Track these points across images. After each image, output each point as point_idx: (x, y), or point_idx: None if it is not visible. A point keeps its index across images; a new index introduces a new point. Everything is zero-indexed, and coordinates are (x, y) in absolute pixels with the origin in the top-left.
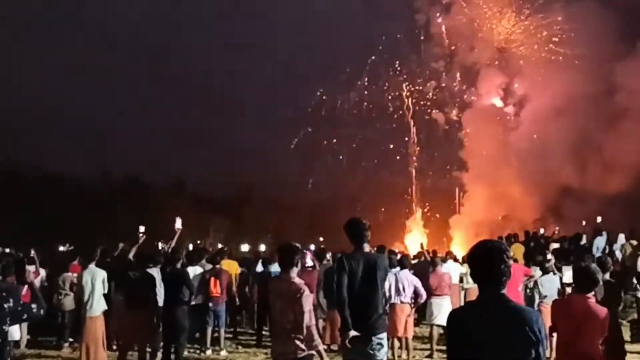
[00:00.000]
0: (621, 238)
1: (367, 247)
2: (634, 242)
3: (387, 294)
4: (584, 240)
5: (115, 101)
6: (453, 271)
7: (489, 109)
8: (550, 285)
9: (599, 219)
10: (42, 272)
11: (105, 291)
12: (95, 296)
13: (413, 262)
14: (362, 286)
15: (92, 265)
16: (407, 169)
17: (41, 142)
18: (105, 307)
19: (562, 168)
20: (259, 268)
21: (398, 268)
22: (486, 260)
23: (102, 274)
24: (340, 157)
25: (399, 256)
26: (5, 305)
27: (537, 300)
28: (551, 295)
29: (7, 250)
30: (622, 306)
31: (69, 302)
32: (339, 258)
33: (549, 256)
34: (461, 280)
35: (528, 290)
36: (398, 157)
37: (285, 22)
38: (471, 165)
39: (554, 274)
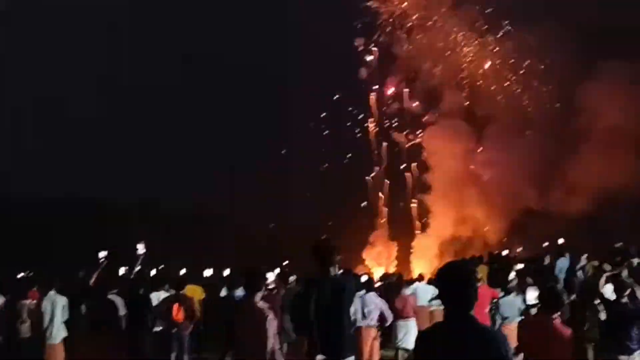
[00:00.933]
0: (582, 259)
1: (334, 271)
2: (596, 263)
3: (353, 317)
4: (546, 261)
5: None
6: (425, 293)
7: (450, 128)
8: (511, 306)
9: (560, 241)
10: (0, 299)
11: (66, 318)
12: (55, 323)
13: (378, 284)
14: (329, 310)
15: (52, 292)
16: (371, 192)
17: None
18: (66, 334)
19: (524, 189)
20: (224, 293)
21: (364, 291)
22: (454, 282)
23: (62, 301)
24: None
25: (364, 278)
26: None
27: (498, 322)
28: (512, 316)
29: None
30: (587, 326)
31: (25, 329)
32: (306, 282)
33: (512, 276)
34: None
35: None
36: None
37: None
38: (435, 186)
39: (516, 294)
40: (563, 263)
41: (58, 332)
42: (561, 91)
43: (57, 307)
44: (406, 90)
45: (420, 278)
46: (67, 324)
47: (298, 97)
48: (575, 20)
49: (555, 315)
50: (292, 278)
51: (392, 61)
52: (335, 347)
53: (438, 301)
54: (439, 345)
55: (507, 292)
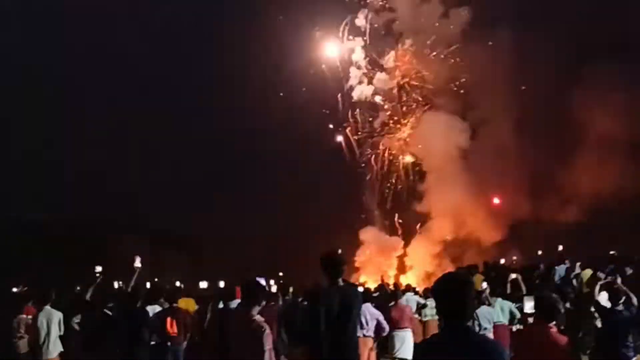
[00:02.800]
0: (576, 267)
1: (340, 282)
2: (590, 271)
3: None
4: (541, 269)
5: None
6: (411, 303)
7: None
8: (487, 316)
9: (560, 248)
10: None
11: (62, 333)
12: (51, 338)
13: (374, 295)
14: (338, 320)
15: (47, 307)
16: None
17: None
18: (62, 349)
19: (518, 197)
20: (233, 304)
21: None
22: (452, 293)
23: (58, 316)
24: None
25: (360, 289)
26: None
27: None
28: (490, 327)
29: None
30: (582, 334)
31: (23, 344)
32: (313, 293)
33: (484, 286)
34: (419, 313)
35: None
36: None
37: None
38: (428, 190)
39: (489, 304)
40: (562, 270)
41: (54, 347)
42: (551, 100)
43: (52, 322)
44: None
45: (408, 288)
46: (62, 338)
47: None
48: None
49: (552, 324)
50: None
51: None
52: (343, 357)
53: (431, 311)
54: (438, 357)
55: (481, 302)
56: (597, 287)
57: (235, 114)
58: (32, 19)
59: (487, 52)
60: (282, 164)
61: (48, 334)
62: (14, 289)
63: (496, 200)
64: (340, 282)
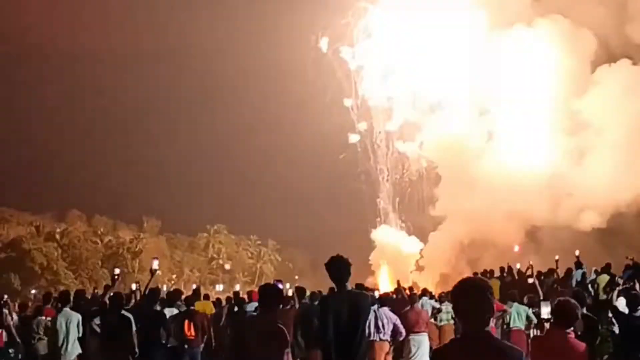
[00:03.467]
0: (592, 273)
1: (348, 286)
2: (606, 276)
3: (366, 331)
4: (557, 275)
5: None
6: (427, 307)
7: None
8: None
9: (577, 253)
10: (14, 317)
11: (80, 335)
12: (70, 340)
13: (390, 299)
14: (347, 326)
15: (66, 309)
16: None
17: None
18: (80, 351)
19: (534, 203)
20: (250, 308)
21: (377, 305)
22: (470, 298)
23: (77, 318)
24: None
25: (376, 293)
26: None
27: None
28: None
29: None
30: (599, 340)
31: (42, 346)
32: (323, 298)
33: None
34: (435, 318)
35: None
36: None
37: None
38: (444, 194)
39: None
40: (579, 274)
41: (73, 349)
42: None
43: (71, 323)
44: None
45: (424, 293)
46: (81, 340)
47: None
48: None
49: (569, 330)
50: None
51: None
52: None
53: (447, 316)
54: None
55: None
56: (615, 293)
57: (250, 114)
58: None
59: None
60: (296, 165)
61: (67, 335)
62: (33, 291)
63: None
64: (348, 287)
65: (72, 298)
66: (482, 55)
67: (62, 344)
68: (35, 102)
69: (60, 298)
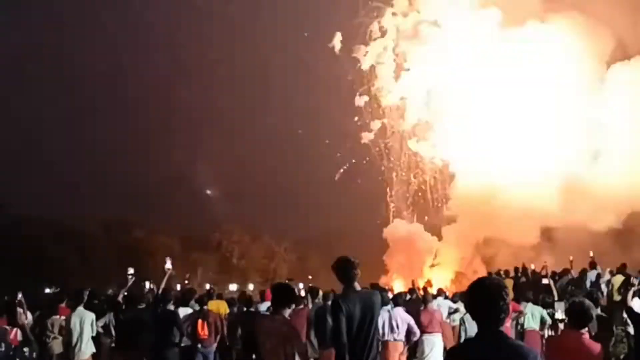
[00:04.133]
0: (606, 273)
1: (357, 286)
2: (621, 277)
3: (381, 332)
4: (572, 275)
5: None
6: (443, 308)
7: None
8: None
9: (591, 253)
10: (29, 316)
11: (94, 334)
12: (83, 339)
13: (405, 299)
14: (360, 326)
15: (80, 308)
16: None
17: (19, 183)
18: (94, 350)
19: (549, 203)
20: (263, 307)
21: (391, 305)
22: (486, 298)
23: (90, 317)
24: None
25: (390, 294)
26: None
27: (462, 337)
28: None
29: None
30: (614, 341)
31: (57, 345)
32: (334, 300)
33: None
34: (450, 318)
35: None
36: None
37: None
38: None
39: None
40: (593, 275)
41: (87, 348)
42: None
43: (85, 322)
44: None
45: (440, 293)
46: (95, 339)
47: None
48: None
49: (584, 331)
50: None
51: None
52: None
53: (460, 315)
54: None
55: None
56: (630, 293)
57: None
58: None
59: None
60: (310, 164)
61: (81, 334)
62: (47, 290)
63: None
64: (357, 287)
65: (85, 297)
66: (494, 53)
67: (76, 343)
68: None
69: (74, 297)
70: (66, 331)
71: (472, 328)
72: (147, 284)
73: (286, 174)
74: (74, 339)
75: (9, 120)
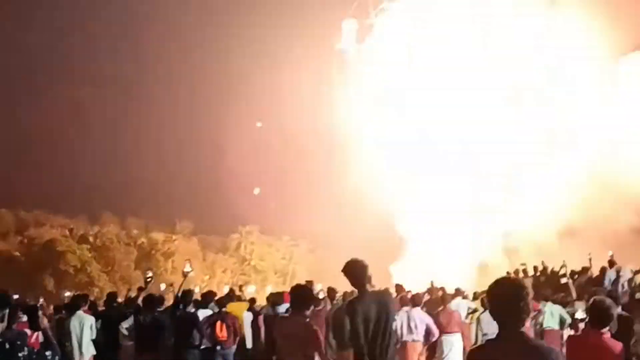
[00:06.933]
0: (627, 271)
1: (369, 287)
2: None
3: (399, 332)
4: (592, 274)
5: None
6: (461, 309)
7: None
8: (491, 322)
9: (610, 253)
10: (46, 321)
11: (94, 336)
12: (83, 342)
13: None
14: (376, 326)
15: (79, 312)
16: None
17: (33, 185)
18: (95, 352)
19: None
20: (282, 309)
21: (410, 306)
22: (506, 298)
23: (90, 320)
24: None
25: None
26: (20, 354)
27: (479, 337)
28: (492, 333)
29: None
30: (634, 340)
31: None
32: (349, 303)
33: None
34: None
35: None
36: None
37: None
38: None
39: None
40: (612, 275)
41: (87, 350)
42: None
43: (85, 325)
44: None
45: (458, 294)
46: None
47: None
48: None
49: (605, 330)
50: (338, 295)
51: None
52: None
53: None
54: None
55: (487, 307)
56: None
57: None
58: None
59: None
60: (327, 165)
61: (81, 337)
62: (67, 293)
63: None
64: (369, 288)
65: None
66: (504, 45)
67: (76, 346)
68: (66, 104)
69: (69, 304)
70: (66, 334)
71: (487, 327)
72: (162, 285)
73: (305, 175)
74: (74, 342)
75: (13, 119)
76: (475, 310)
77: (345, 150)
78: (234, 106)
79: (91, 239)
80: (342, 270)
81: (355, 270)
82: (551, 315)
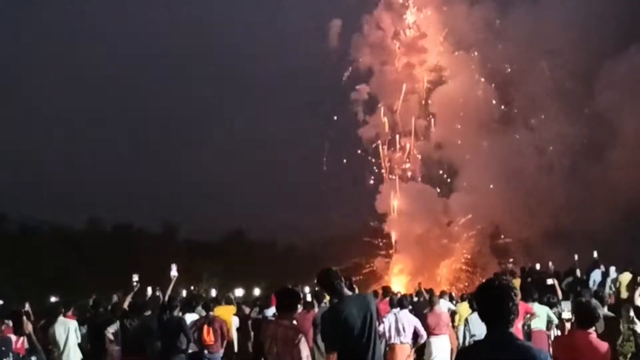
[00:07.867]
0: (612, 271)
1: (347, 292)
2: (629, 275)
3: (387, 334)
4: (577, 274)
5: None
6: (444, 309)
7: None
8: (479, 323)
9: (595, 254)
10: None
11: (79, 340)
12: (69, 346)
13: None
14: (361, 328)
15: (61, 317)
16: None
17: (23, 191)
18: (81, 356)
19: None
20: (269, 312)
21: (398, 308)
22: (495, 299)
23: (74, 324)
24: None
25: (398, 295)
26: None
27: (467, 338)
28: (479, 334)
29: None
30: (621, 339)
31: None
32: (332, 307)
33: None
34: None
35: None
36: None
37: None
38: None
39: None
40: (597, 275)
41: (75, 355)
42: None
43: (70, 330)
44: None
45: (442, 294)
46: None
47: None
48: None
49: (591, 330)
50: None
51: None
52: None
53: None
54: None
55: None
56: (638, 292)
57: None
58: None
59: None
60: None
61: (66, 342)
62: (53, 299)
63: None
64: (348, 292)
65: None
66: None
67: (63, 351)
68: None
69: (50, 312)
70: (52, 341)
71: (475, 329)
72: (149, 289)
73: (291, 175)
74: (61, 348)
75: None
76: (455, 313)
77: None
78: None
79: (78, 242)
80: (317, 282)
81: (326, 279)
82: (538, 315)
